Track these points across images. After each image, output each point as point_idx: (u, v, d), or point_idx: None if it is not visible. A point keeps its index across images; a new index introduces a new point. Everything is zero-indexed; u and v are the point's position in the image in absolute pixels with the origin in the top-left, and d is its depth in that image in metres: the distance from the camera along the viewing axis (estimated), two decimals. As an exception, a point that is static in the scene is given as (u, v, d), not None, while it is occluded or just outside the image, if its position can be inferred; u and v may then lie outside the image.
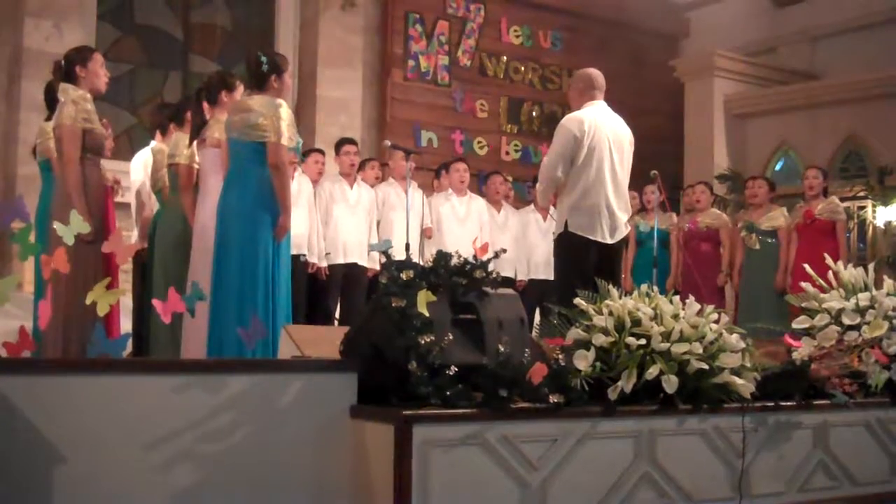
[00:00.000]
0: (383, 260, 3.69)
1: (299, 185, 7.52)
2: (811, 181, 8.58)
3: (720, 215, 9.22)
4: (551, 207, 8.59)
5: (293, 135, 5.25)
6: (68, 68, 5.32)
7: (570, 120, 5.69)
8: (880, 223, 10.86)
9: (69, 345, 4.92)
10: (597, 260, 5.54)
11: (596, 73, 5.90)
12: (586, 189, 5.58)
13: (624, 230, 5.75)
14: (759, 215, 8.74)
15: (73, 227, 3.40)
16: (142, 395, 3.14)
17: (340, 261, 7.93)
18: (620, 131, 5.77)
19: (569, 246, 5.62)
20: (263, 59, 5.27)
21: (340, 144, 8.30)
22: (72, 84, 5.28)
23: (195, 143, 5.70)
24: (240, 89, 5.71)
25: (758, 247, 8.62)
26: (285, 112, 5.19)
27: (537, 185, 5.95)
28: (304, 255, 7.62)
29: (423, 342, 3.39)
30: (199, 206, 5.57)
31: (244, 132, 5.16)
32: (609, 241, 5.62)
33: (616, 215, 5.65)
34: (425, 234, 8.13)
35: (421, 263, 3.71)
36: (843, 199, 9.61)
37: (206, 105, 5.74)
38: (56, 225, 3.53)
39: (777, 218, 8.68)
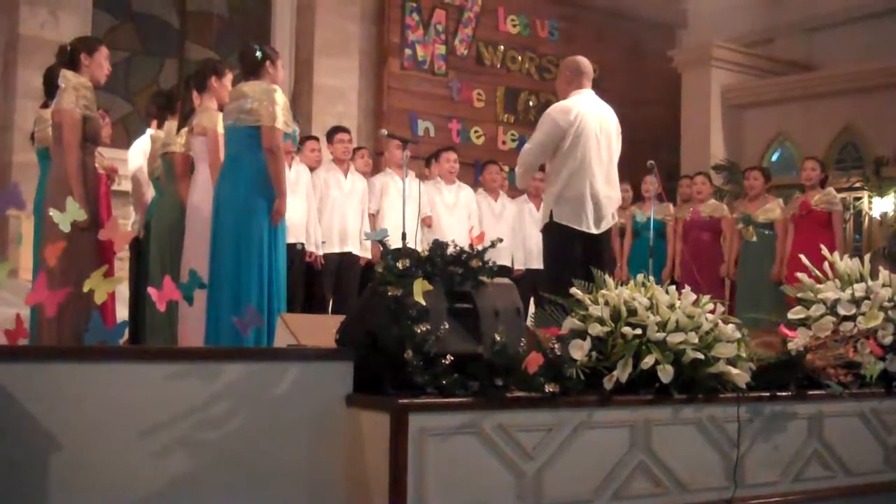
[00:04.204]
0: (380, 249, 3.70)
1: (297, 174, 7.51)
2: (808, 172, 8.59)
3: (721, 206, 9.23)
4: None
5: (288, 120, 5.27)
6: (73, 54, 5.29)
7: (555, 109, 5.65)
8: (876, 214, 10.88)
9: (63, 332, 4.91)
10: (582, 250, 5.49)
11: (583, 61, 5.82)
12: (570, 178, 5.52)
13: (611, 220, 5.69)
14: (755, 207, 8.75)
15: (69, 214, 3.39)
16: (138, 383, 3.14)
17: (335, 249, 7.93)
18: (608, 119, 5.71)
19: (554, 236, 5.58)
20: (256, 46, 5.37)
21: (333, 132, 8.29)
22: (74, 71, 5.25)
23: (185, 130, 5.71)
24: (229, 76, 5.72)
25: (755, 239, 8.63)
26: (280, 97, 5.21)
27: (516, 168, 5.91)
28: (302, 244, 7.62)
29: (419, 331, 3.39)
30: (190, 193, 5.58)
31: (239, 118, 5.18)
32: (594, 231, 5.56)
33: (602, 205, 5.58)
34: (424, 223, 8.14)
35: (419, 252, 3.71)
36: (839, 190, 9.60)
37: (195, 93, 5.74)
38: (52, 212, 3.52)
39: (773, 210, 8.69)
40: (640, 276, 4.08)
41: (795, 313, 4.70)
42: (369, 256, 7.98)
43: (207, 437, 3.23)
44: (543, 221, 5.68)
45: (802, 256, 5.07)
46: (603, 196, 5.59)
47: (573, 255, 5.43)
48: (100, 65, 5.35)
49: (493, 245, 3.78)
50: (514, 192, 9.48)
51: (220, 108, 5.56)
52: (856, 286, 4.73)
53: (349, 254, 8.01)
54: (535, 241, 8.64)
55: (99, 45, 5.43)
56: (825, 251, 5.01)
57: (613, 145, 5.72)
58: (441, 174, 8.63)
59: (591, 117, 5.60)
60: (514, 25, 12.25)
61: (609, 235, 5.89)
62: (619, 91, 10.66)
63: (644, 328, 3.79)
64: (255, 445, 3.31)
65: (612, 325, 3.79)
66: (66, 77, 5.21)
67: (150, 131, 6.60)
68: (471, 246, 3.72)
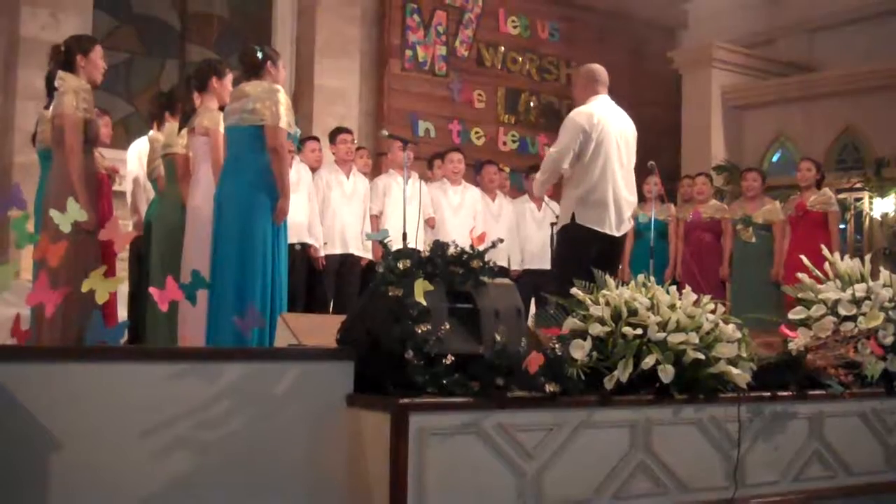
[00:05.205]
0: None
1: (298, 174, 7.51)
2: (804, 173, 8.61)
3: (722, 206, 9.24)
4: (546, 197, 8.60)
5: (291, 120, 5.27)
6: (68, 56, 5.28)
7: (578, 114, 5.73)
8: (877, 215, 10.89)
9: (66, 332, 4.91)
10: (600, 252, 5.55)
11: (600, 69, 5.96)
12: (594, 183, 5.62)
13: (629, 224, 5.81)
14: (753, 208, 8.76)
15: (70, 215, 3.40)
16: (138, 383, 3.14)
17: (337, 250, 7.94)
18: (626, 125, 5.85)
19: (575, 237, 5.66)
20: (256, 47, 5.40)
21: (336, 133, 8.29)
22: (70, 72, 5.24)
23: (185, 131, 5.71)
24: (229, 76, 5.72)
25: (754, 240, 8.65)
26: (283, 97, 5.21)
27: (538, 174, 5.95)
28: (306, 243, 7.61)
29: (419, 331, 3.39)
30: (191, 193, 5.58)
31: (241, 118, 5.17)
32: (616, 233, 5.69)
33: (623, 209, 5.71)
34: (428, 223, 8.15)
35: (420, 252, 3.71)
36: (839, 191, 9.63)
37: (196, 93, 5.74)
38: (52, 213, 3.52)
39: (772, 211, 8.70)
40: (640, 277, 4.09)
41: (796, 313, 4.70)
42: (370, 257, 7.99)
43: (208, 437, 3.23)
44: (563, 223, 5.74)
45: (803, 257, 5.08)
46: (624, 200, 5.71)
47: (589, 256, 5.47)
48: (96, 65, 5.33)
49: (493, 245, 3.78)
50: (513, 193, 9.48)
51: (221, 109, 5.56)
52: (856, 286, 4.73)
53: (350, 254, 8.01)
54: (536, 241, 8.67)
55: (94, 44, 5.40)
56: (825, 251, 5.02)
57: (631, 150, 5.84)
58: (446, 175, 8.63)
59: (611, 123, 5.72)
60: (515, 27, 12.25)
61: (625, 238, 5.96)
62: (619, 92, 10.55)
63: (645, 328, 3.79)
64: (255, 445, 3.31)
65: (613, 325, 3.79)
66: (64, 79, 5.19)
67: (149, 133, 6.59)
68: (471, 246, 3.73)
